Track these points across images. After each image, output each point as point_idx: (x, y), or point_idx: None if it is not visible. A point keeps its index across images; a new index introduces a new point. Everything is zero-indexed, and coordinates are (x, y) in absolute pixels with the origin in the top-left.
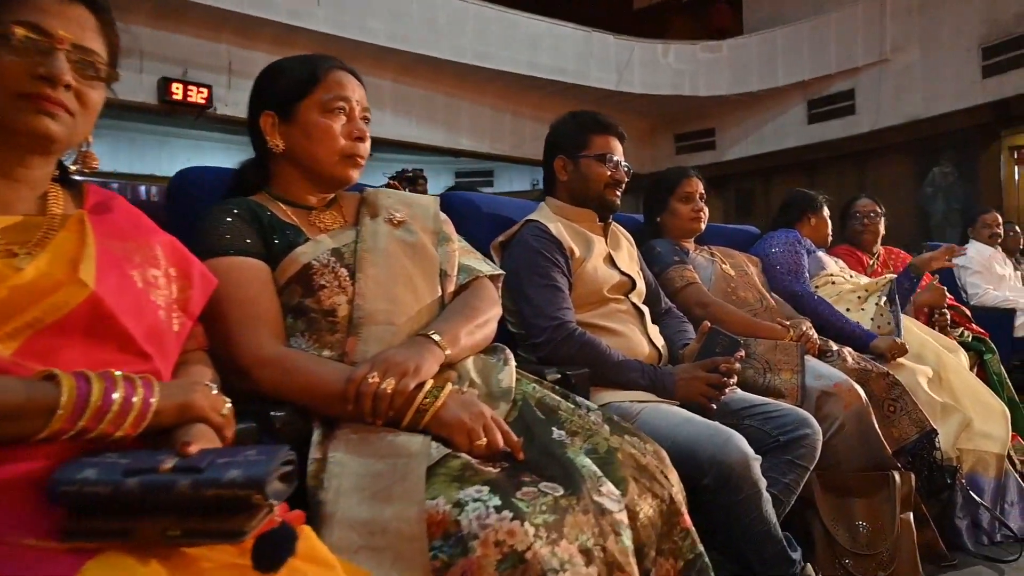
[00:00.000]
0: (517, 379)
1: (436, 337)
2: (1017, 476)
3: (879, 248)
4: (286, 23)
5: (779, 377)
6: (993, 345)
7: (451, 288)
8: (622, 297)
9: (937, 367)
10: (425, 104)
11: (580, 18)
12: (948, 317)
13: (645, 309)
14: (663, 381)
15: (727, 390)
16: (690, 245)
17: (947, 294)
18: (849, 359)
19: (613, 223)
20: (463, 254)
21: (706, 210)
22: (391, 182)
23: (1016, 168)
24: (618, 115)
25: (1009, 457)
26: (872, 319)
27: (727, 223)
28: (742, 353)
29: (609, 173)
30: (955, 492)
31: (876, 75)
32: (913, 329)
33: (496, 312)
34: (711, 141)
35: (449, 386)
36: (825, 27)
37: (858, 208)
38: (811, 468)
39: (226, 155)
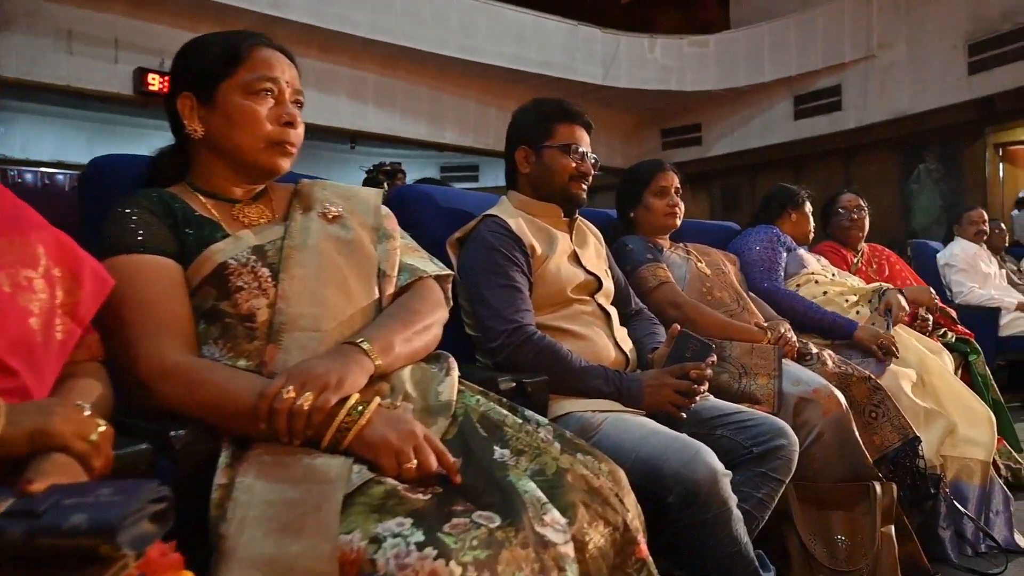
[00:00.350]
0: (460, 391)
1: (365, 345)
2: (1002, 483)
3: (863, 245)
4: (265, 13)
5: (755, 382)
6: (978, 346)
7: (390, 290)
8: (587, 298)
9: (920, 370)
10: (408, 97)
11: (566, 11)
12: (931, 322)
13: (612, 311)
14: (629, 389)
15: (698, 398)
16: (664, 242)
17: (934, 294)
18: (829, 363)
19: (579, 218)
20: (406, 252)
21: (681, 205)
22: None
23: (1001, 165)
24: (604, 110)
25: (994, 463)
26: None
27: (713, 219)
28: (714, 358)
29: (574, 165)
30: (939, 502)
31: (863, 71)
32: (896, 331)
33: (440, 316)
34: (697, 137)
35: (376, 401)
36: (812, 23)
37: (843, 204)
38: (786, 481)
39: None
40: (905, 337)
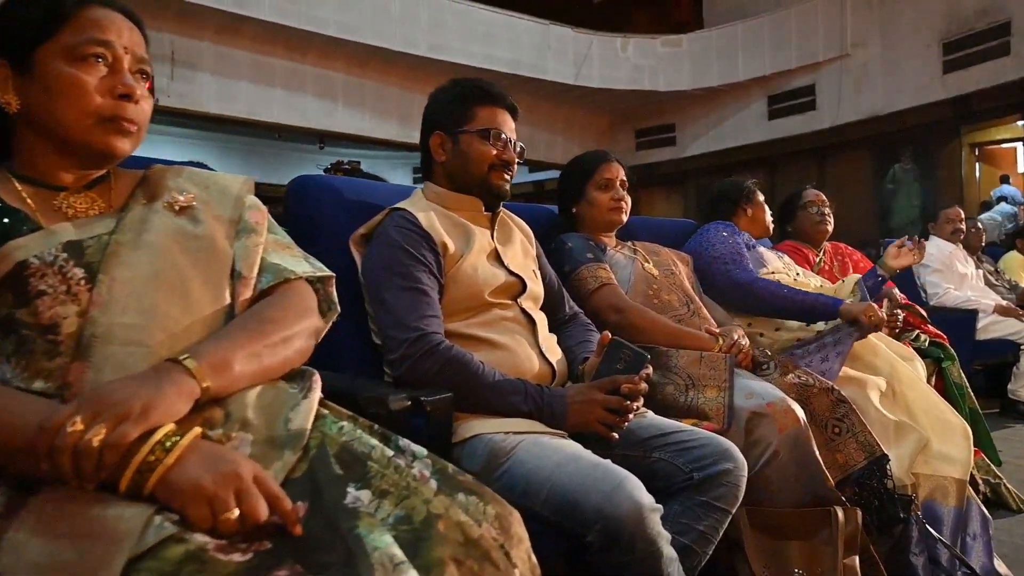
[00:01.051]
0: (322, 416)
1: (189, 363)
2: (980, 504)
3: (826, 243)
4: (231, 11)
5: (703, 395)
6: (953, 351)
7: (247, 295)
8: (509, 302)
9: (891, 379)
10: (378, 97)
11: (538, 10)
12: (900, 318)
13: (539, 316)
14: (552, 406)
15: (631, 415)
16: (609, 240)
17: (901, 294)
18: (788, 372)
19: (505, 213)
20: (273, 250)
21: (628, 199)
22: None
23: (977, 165)
24: (577, 110)
25: (971, 478)
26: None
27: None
28: (649, 370)
29: (495, 152)
30: (910, 526)
31: (837, 70)
32: (868, 337)
33: (308, 326)
34: (671, 137)
35: (195, 433)
36: (785, 22)
37: (811, 198)
38: (733, 511)
39: (174, 148)
40: (875, 343)
